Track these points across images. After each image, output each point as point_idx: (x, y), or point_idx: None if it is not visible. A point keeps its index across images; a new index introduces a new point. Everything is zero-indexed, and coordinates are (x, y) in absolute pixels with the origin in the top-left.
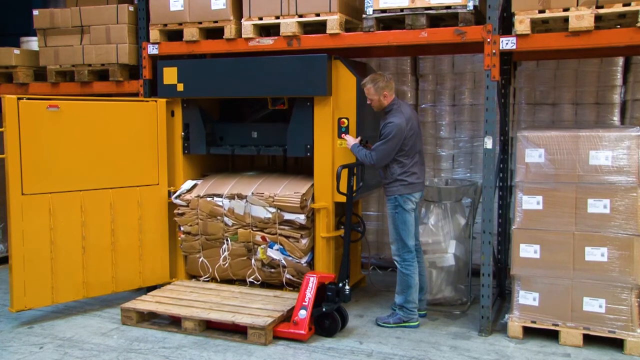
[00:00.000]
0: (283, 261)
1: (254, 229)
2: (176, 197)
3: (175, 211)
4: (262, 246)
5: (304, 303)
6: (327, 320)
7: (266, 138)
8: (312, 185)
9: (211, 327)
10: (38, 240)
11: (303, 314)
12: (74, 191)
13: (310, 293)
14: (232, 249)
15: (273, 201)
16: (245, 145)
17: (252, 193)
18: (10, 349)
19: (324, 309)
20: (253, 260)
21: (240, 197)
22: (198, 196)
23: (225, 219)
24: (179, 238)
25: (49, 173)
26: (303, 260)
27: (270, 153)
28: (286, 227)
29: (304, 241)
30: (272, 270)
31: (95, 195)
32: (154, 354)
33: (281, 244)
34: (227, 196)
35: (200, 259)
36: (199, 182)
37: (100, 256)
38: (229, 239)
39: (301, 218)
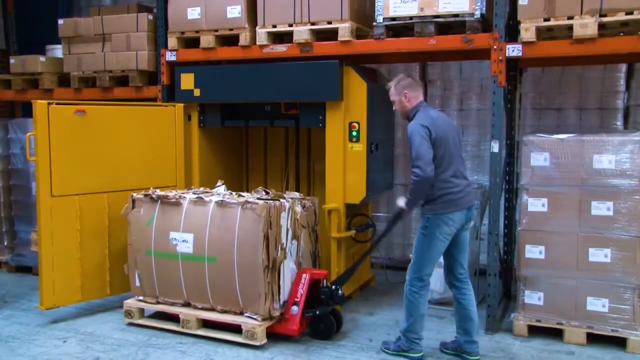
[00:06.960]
0: None
1: None
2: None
3: None
4: None
5: (295, 299)
6: (322, 324)
7: (279, 111)
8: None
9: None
10: (66, 241)
11: (295, 309)
12: (100, 193)
13: (302, 289)
14: None
15: None
16: (259, 118)
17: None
18: (36, 342)
19: (317, 312)
20: None
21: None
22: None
23: None
24: None
25: (77, 175)
26: None
27: (284, 125)
28: None
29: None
30: None
31: (119, 196)
32: (172, 349)
33: None
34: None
35: None
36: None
37: (124, 256)
38: None
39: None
